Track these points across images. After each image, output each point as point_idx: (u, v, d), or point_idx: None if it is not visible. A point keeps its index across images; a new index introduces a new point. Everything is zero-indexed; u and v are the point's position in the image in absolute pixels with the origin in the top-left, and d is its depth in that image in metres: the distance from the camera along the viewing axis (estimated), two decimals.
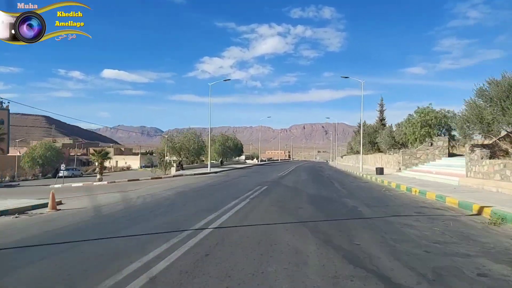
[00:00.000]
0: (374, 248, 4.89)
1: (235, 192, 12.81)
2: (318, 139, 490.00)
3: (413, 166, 21.95)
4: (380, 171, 22.51)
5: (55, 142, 79.10)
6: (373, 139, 35.79)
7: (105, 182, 25.28)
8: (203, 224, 6.55)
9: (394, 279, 3.60)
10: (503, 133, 12.90)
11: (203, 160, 43.52)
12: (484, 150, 12.57)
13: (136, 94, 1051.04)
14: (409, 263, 4.14)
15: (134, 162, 73.61)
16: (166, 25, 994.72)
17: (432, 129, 22.58)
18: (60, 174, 36.33)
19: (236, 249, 4.77)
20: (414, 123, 23.38)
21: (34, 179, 41.68)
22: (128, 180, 25.32)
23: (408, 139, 23.96)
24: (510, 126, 12.13)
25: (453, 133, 23.25)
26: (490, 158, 12.32)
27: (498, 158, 12.22)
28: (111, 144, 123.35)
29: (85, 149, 78.32)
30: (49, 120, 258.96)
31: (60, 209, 9.50)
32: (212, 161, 41.54)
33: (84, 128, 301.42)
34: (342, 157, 68.89)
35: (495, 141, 13.23)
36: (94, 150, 33.89)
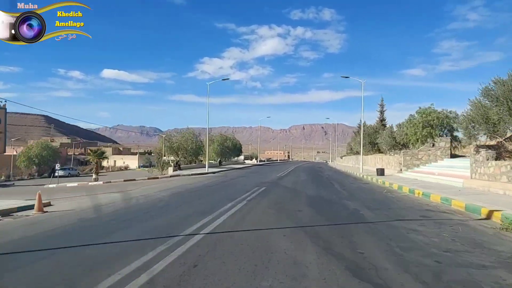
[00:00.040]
0: (379, 257, 4.46)
1: (232, 193, 12.38)
2: (317, 139, 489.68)
3: (414, 167, 21.53)
4: (380, 172, 22.08)
5: (52, 142, 78.60)
6: (373, 140, 35.37)
7: (101, 182, 24.81)
8: (195, 229, 6.12)
9: None
10: (510, 133, 12.49)
11: (201, 160, 43.06)
12: (489, 151, 12.16)
13: (136, 94, 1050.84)
14: (421, 276, 3.71)
15: (132, 162, 73.04)
16: (166, 25, 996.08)
17: (434, 129, 22.15)
18: (56, 174, 35.94)
19: (229, 259, 4.34)
20: (415, 124, 22.95)
21: (30, 179, 41.16)
22: (124, 180, 24.85)
23: (410, 140, 23.54)
24: None
25: (455, 133, 22.85)
26: (496, 159, 11.91)
27: (504, 159, 11.81)
28: (109, 144, 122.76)
29: (83, 148, 77.72)
30: (49, 119, 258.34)
31: (47, 211, 9.05)
32: (210, 161, 41.10)
33: (84, 127, 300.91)
34: (341, 157, 68.50)
35: (501, 141, 12.82)
36: (90, 149, 33.42)
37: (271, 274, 3.74)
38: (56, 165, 27.53)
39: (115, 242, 5.27)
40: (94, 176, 26.74)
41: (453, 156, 21.41)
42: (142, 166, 65.02)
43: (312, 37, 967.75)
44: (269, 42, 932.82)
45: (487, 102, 12.73)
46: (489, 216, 7.33)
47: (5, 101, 40.63)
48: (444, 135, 22.26)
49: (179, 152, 37.72)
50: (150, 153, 77.01)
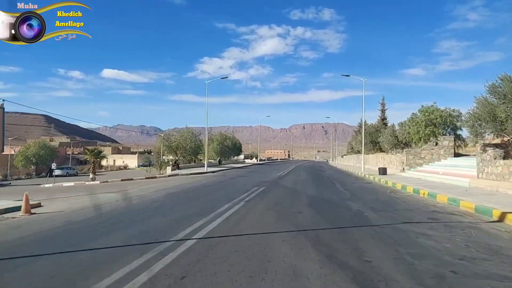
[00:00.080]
0: (388, 266, 4.03)
1: (230, 193, 11.95)
2: (318, 139, 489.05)
3: (417, 166, 21.08)
4: (383, 171, 21.63)
5: (52, 141, 78.27)
6: (374, 139, 34.90)
7: (98, 182, 24.39)
8: (187, 233, 5.68)
9: None
10: None
11: (201, 160, 42.61)
12: (497, 149, 11.70)
13: (136, 93, 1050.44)
14: None
15: (132, 161, 72.61)
16: (166, 26, 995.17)
17: (437, 128, 21.69)
18: (54, 173, 35.51)
19: (221, 269, 3.90)
20: (418, 122, 22.49)
21: (27, 178, 40.74)
22: (122, 180, 24.42)
23: (412, 139, 23.08)
24: None
25: (459, 132, 22.42)
26: (503, 158, 11.45)
27: None
28: (108, 143, 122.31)
29: (82, 148, 77.25)
30: (49, 119, 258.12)
31: (34, 213, 8.62)
32: (210, 161, 40.65)
33: (84, 127, 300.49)
34: (342, 156, 68.01)
35: (508, 140, 12.36)
36: (87, 149, 32.98)
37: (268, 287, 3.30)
38: (53, 164, 27.10)
39: (98, 249, 4.83)
40: (91, 175, 26.30)
41: (456, 155, 20.96)
42: (141, 166, 64.56)
43: (311, 37, 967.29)
44: (269, 42, 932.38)
45: (493, 99, 12.28)
46: (501, 218, 6.89)
47: (3, 101, 40.17)
48: (448, 134, 21.80)
49: (178, 151, 37.28)
50: (149, 153, 76.60)
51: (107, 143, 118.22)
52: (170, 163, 33.02)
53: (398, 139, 26.12)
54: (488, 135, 12.79)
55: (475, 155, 20.27)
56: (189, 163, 39.33)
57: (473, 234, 5.75)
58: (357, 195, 11.80)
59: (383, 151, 32.15)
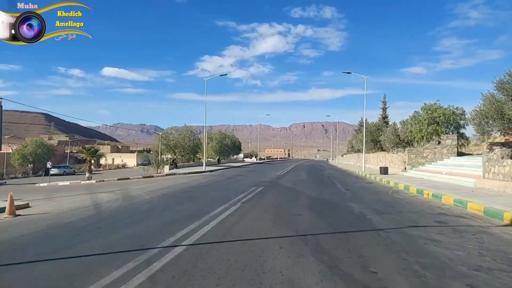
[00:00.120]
0: (397, 279, 3.60)
1: (226, 194, 11.52)
2: (318, 137, 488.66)
3: (419, 165, 20.64)
4: (384, 170, 21.20)
5: (50, 139, 77.84)
6: (375, 137, 34.46)
7: (94, 181, 23.96)
8: (177, 239, 5.25)
9: None
10: None
11: (199, 158, 42.16)
12: (504, 148, 11.26)
13: (136, 92, 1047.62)
14: None
15: (130, 160, 72.13)
16: (167, 24, 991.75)
17: (440, 126, 21.23)
18: (52, 172, 35.05)
19: (210, 282, 3.46)
20: (420, 120, 22.04)
21: (24, 177, 40.29)
22: (118, 179, 23.98)
23: (414, 137, 22.63)
24: None
25: (462, 131, 21.97)
26: (511, 157, 11.01)
27: None
28: (106, 142, 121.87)
29: (81, 146, 76.82)
30: (49, 117, 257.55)
31: (19, 215, 8.19)
32: (209, 159, 40.23)
33: (84, 126, 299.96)
34: (342, 155, 67.60)
35: None
36: (83, 147, 32.50)
37: None
38: (48, 163, 26.65)
39: (76, 258, 4.39)
40: (87, 174, 25.84)
41: (459, 154, 20.53)
42: (140, 164, 64.08)
43: (312, 35, 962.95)
44: (269, 40, 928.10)
45: (501, 96, 11.82)
46: None
47: (1, 99, 39.60)
48: (451, 133, 21.35)
49: (176, 150, 36.81)
50: (149, 151, 76.18)
51: (106, 142, 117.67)
52: (168, 162, 32.59)
53: (399, 137, 25.67)
54: (495, 133, 12.33)
55: (478, 154, 19.88)
56: (188, 162, 38.88)
57: (485, 240, 5.32)
58: (359, 196, 11.37)
59: (384, 150, 31.72)
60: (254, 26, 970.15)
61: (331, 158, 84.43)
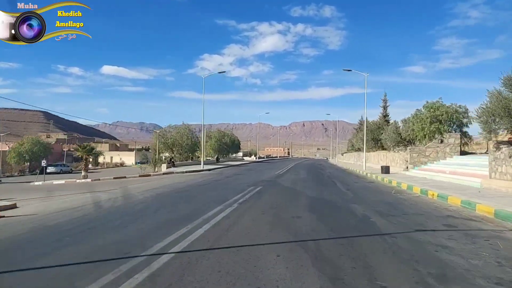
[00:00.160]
0: None
1: (223, 194, 11.09)
2: (317, 136, 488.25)
3: (422, 164, 20.21)
4: (385, 169, 20.77)
5: (48, 137, 77.37)
6: (376, 136, 34.00)
7: (89, 180, 23.52)
8: (165, 245, 4.81)
9: None
10: None
11: (198, 157, 41.71)
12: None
13: (135, 90, 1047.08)
14: None
15: (129, 158, 71.64)
16: (167, 23, 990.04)
17: (443, 125, 20.79)
18: (48, 170, 34.61)
19: None
20: (422, 119, 21.59)
21: (20, 175, 39.80)
22: (114, 178, 23.52)
23: (416, 136, 22.19)
24: None
25: (465, 129, 21.54)
26: None
27: None
28: (104, 139, 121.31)
29: (77, 144, 76.29)
30: (48, 115, 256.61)
31: (3, 216, 7.75)
32: (208, 158, 39.79)
33: (83, 124, 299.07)
34: (342, 154, 67.11)
35: None
36: (78, 145, 32.01)
37: None
38: (43, 161, 26.18)
39: (49, 268, 3.94)
40: (83, 173, 25.36)
41: (462, 153, 20.10)
42: (139, 163, 63.52)
43: (312, 34, 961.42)
44: (269, 39, 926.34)
45: (508, 93, 11.38)
46: None
47: None
48: (453, 131, 20.92)
49: (174, 149, 36.34)
50: (147, 150, 75.64)
51: (104, 140, 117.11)
52: (166, 160, 32.13)
53: (401, 136, 25.23)
54: (502, 131, 11.90)
55: (482, 153, 19.46)
56: (186, 160, 38.42)
57: (501, 247, 4.89)
58: (361, 196, 10.95)
59: (385, 149, 31.28)
60: (254, 25, 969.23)
61: (331, 157, 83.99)
